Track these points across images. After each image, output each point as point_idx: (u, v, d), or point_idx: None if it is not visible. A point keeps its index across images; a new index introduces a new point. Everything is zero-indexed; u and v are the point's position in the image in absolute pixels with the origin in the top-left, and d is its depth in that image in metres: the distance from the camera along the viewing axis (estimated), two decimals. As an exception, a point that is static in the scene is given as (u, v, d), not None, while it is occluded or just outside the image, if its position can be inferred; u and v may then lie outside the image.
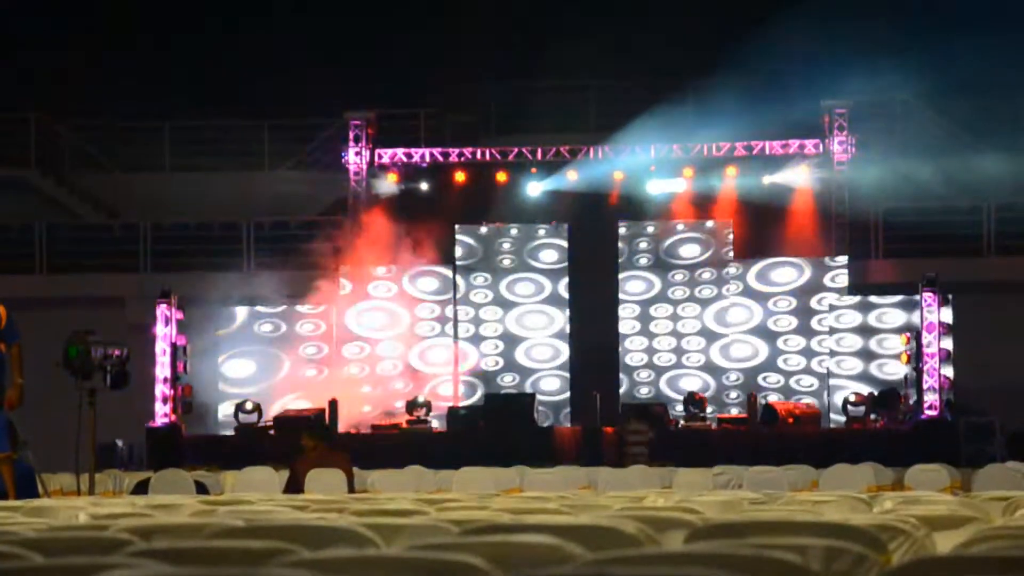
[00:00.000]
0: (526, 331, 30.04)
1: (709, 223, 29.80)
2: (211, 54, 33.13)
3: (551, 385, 29.63)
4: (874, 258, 30.28)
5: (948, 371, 27.08)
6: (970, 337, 28.13)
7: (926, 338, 27.05)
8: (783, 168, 29.52)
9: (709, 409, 28.34)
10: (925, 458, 21.26)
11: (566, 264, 29.99)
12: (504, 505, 8.91)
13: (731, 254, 29.73)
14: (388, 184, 30.23)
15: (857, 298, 29.25)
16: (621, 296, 29.78)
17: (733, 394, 29.24)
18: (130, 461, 27.82)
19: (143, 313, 28.68)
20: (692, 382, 29.41)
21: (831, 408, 28.65)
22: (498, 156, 29.87)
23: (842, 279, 29.37)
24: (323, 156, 32.41)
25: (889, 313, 29.10)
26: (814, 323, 29.36)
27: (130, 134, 33.23)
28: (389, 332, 29.85)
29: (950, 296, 27.59)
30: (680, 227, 29.87)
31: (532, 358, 30.01)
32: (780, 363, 29.42)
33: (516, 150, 29.80)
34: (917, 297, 28.52)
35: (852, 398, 27.70)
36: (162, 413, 27.51)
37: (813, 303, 29.33)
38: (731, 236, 29.72)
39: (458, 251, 30.05)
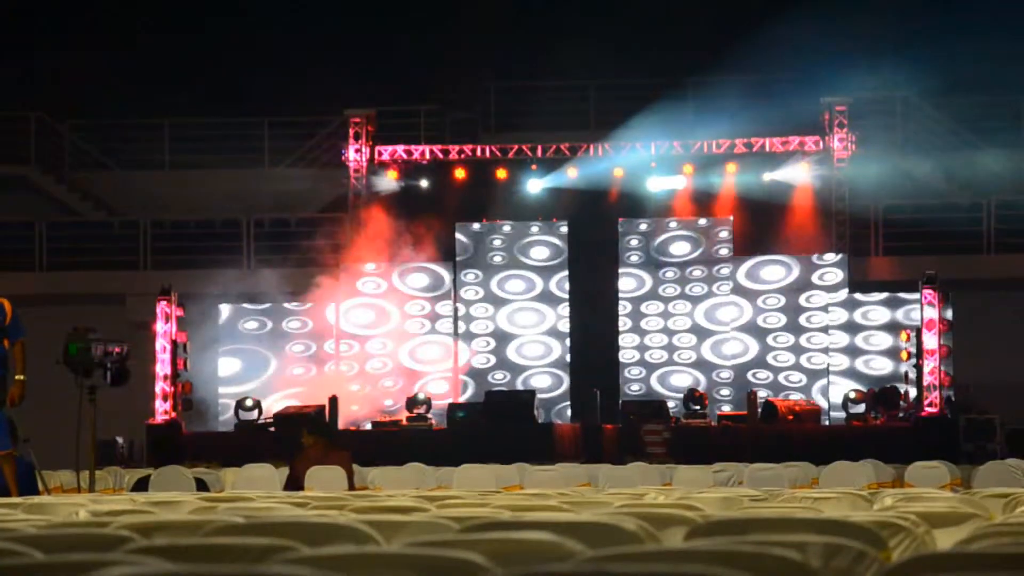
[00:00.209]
0: (518, 328, 30.03)
1: (702, 220, 29.79)
2: (211, 51, 33.13)
3: (543, 382, 29.59)
4: (874, 255, 30.29)
5: (948, 368, 27.08)
6: (970, 334, 28.13)
7: (926, 335, 27.05)
8: (783, 165, 29.51)
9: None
10: (925, 455, 21.25)
11: (558, 261, 29.98)
12: (504, 502, 8.91)
13: (723, 251, 29.72)
14: (388, 181, 30.22)
15: (844, 294, 29.25)
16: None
17: (724, 391, 29.26)
18: (130, 458, 27.84)
19: (143, 310, 28.68)
20: (683, 379, 29.44)
21: (830, 405, 28.67)
22: (498, 153, 29.87)
23: (830, 276, 29.37)
24: (323, 153, 32.42)
25: (876, 310, 29.13)
26: (803, 320, 29.38)
27: (130, 131, 33.23)
28: (379, 329, 29.79)
29: (950, 293, 27.59)
30: (673, 224, 29.85)
31: (523, 355, 29.99)
32: (771, 360, 29.44)
33: (516, 147, 29.79)
34: (903, 295, 28.63)
35: (852, 395, 27.70)
36: (162, 410, 27.51)
37: (802, 300, 29.36)
38: (723, 234, 29.72)
39: (458, 248, 30.05)
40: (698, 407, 27.97)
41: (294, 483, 16.71)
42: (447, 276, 29.95)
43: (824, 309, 29.29)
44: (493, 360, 29.92)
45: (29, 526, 6.88)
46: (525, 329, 30.02)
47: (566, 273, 29.96)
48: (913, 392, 27.38)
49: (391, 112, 31.52)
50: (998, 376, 28.95)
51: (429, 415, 27.96)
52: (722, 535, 5.98)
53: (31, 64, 33.46)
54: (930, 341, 26.97)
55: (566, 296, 29.99)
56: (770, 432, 26.60)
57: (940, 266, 27.88)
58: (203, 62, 33.13)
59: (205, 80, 32.87)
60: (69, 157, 33.39)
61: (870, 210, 30.23)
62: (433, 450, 24.15)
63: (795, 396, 28.74)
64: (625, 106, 30.63)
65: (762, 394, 28.40)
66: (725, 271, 29.64)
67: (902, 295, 28.96)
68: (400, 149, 30.18)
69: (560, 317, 29.98)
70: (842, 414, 27.84)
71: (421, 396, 28.35)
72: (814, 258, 29.46)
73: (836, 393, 28.63)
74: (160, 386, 27.53)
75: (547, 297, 30.01)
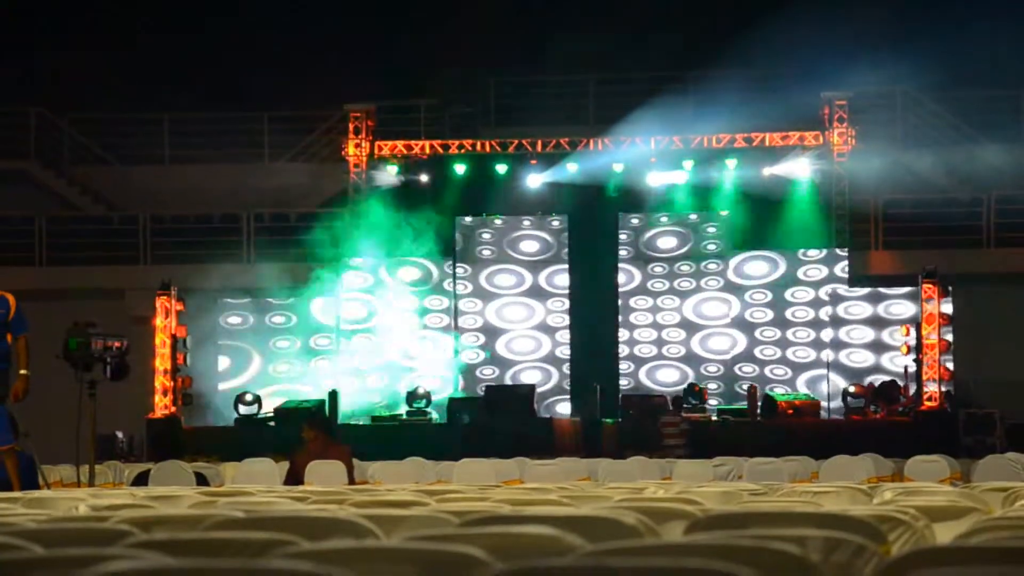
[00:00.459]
0: (507, 323, 30.01)
1: (693, 216, 29.79)
2: (211, 46, 33.11)
3: (532, 378, 29.56)
4: (874, 250, 30.30)
5: (948, 362, 27.09)
6: (970, 329, 28.14)
7: (926, 329, 27.05)
8: (783, 160, 29.51)
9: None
10: (925, 449, 21.26)
11: (548, 255, 29.96)
12: (504, 496, 8.91)
13: (711, 247, 29.73)
14: (388, 176, 30.22)
15: (830, 288, 29.28)
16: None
17: (712, 385, 29.28)
18: (130, 452, 27.85)
19: (143, 305, 28.68)
20: (671, 373, 29.47)
21: (829, 399, 28.72)
22: (498, 148, 29.86)
23: (814, 272, 29.39)
24: (323, 148, 32.42)
25: (857, 305, 29.16)
26: (788, 314, 29.42)
27: (130, 126, 33.22)
28: (367, 324, 29.73)
29: (950, 288, 27.60)
30: (664, 219, 29.85)
31: (512, 350, 29.98)
32: (758, 353, 29.48)
33: (516, 142, 29.79)
34: (883, 290, 28.70)
35: (852, 389, 27.72)
36: (162, 405, 27.52)
37: (788, 295, 29.39)
38: (711, 229, 29.73)
39: (458, 243, 30.04)
40: (697, 401, 27.98)
41: (294, 477, 16.71)
42: (436, 271, 29.87)
43: (812, 304, 29.33)
44: (483, 355, 29.90)
45: (29, 520, 6.88)
46: (515, 324, 30.00)
47: (556, 268, 29.95)
48: (913, 386, 27.40)
49: (391, 107, 31.51)
50: (998, 370, 28.96)
51: (429, 409, 27.97)
52: (722, 529, 5.98)
53: (31, 59, 33.44)
54: (930, 335, 26.98)
55: (556, 291, 29.97)
56: (770, 426, 26.61)
57: (940, 260, 27.89)
58: (203, 57, 33.11)
59: (205, 75, 32.85)
60: (69, 152, 33.38)
61: (870, 204, 30.23)
62: (433, 444, 24.16)
63: (780, 389, 28.81)
64: (625, 101, 30.62)
65: (747, 387, 28.61)
66: (713, 266, 29.66)
67: (883, 289, 29.00)
68: (400, 144, 30.18)
69: (550, 312, 29.97)
70: (837, 404, 27.92)
71: (420, 390, 28.34)
72: (800, 253, 29.48)
73: (822, 387, 28.74)
74: (160, 381, 27.54)
75: (537, 292, 29.99)
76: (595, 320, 29.80)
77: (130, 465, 22.26)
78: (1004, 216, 30.16)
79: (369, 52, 33.18)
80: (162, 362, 27.59)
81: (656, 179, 29.65)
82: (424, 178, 30.06)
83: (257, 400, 28.03)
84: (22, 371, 14.06)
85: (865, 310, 29.18)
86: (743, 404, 28.00)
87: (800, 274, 29.51)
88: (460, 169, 29.84)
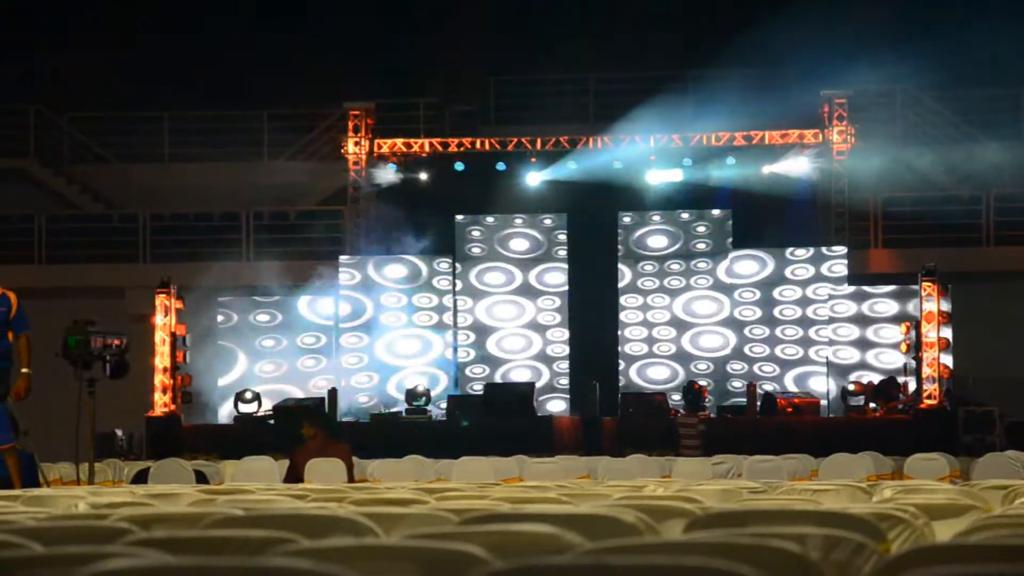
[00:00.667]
0: (497, 321, 29.99)
1: (685, 214, 29.79)
2: (210, 45, 33.11)
3: (523, 376, 29.51)
4: (873, 248, 30.30)
5: (947, 360, 27.09)
6: (969, 327, 28.14)
7: (925, 327, 27.06)
8: (782, 158, 29.52)
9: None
10: (924, 447, 21.28)
11: (539, 253, 29.96)
12: (503, 494, 8.92)
13: (699, 246, 29.75)
14: (388, 174, 30.21)
15: (820, 287, 29.31)
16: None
17: (702, 382, 29.27)
18: (129, 450, 27.85)
19: (142, 303, 28.68)
20: (661, 371, 29.49)
21: (829, 397, 28.74)
22: (497, 146, 29.85)
23: (802, 271, 29.41)
24: (322, 146, 32.41)
25: (843, 304, 29.19)
26: (776, 312, 29.46)
27: (129, 124, 33.21)
28: (355, 321, 29.67)
29: (949, 286, 27.60)
30: (656, 218, 29.86)
31: (503, 348, 29.97)
32: (747, 351, 29.51)
33: (515, 140, 29.79)
34: (868, 288, 28.75)
35: (851, 387, 27.73)
36: (161, 403, 27.52)
37: (776, 293, 29.42)
38: (700, 228, 29.74)
39: (458, 241, 30.05)
40: (697, 400, 27.98)
41: (294, 475, 16.71)
42: (425, 268, 29.83)
43: (800, 302, 29.37)
44: (472, 354, 29.88)
45: (28, 518, 6.88)
46: (505, 322, 29.98)
47: (547, 266, 29.93)
48: (912, 384, 27.40)
49: (390, 105, 31.52)
50: (997, 368, 28.96)
51: (428, 407, 27.96)
52: (721, 527, 5.98)
53: (31, 57, 33.44)
54: (929, 333, 26.99)
55: (547, 289, 29.96)
56: (769, 424, 26.62)
57: (940, 259, 27.89)
58: (203, 55, 33.11)
59: (204, 74, 32.85)
60: (68, 150, 33.38)
61: (870, 203, 30.24)
62: (432, 442, 24.16)
63: (768, 386, 28.90)
64: (624, 99, 30.62)
65: (736, 384, 28.66)
66: (703, 265, 29.68)
67: (866, 288, 29.05)
68: (399, 142, 30.17)
69: (541, 310, 29.96)
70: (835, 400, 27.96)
71: (420, 388, 28.33)
72: (786, 252, 29.50)
73: (808, 384, 28.82)
74: (159, 379, 27.53)
75: (528, 290, 29.97)
76: (594, 318, 29.79)
77: (130, 463, 22.26)
78: (1004, 214, 30.17)
79: (369, 50, 33.19)
80: (161, 360, 27.59)
81: (655, 177, 29.65)
82: (424, 176, 30.06)
83: (257, 398, 28.03)
84: (24, 370, 14.07)
85: (851, 308, 29.18)
86: (741, 401, 28.02)
87: (788, 272, 29.49)
88: (460, 167, 29.84)
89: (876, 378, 28.30)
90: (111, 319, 21.99)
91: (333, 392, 27.24)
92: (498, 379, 29.44)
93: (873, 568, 5.33)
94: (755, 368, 29.38)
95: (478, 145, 29.98)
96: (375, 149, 30.18)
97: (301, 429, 17.42)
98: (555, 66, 32.21)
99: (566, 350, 29.88)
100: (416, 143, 30.16)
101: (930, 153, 31.07)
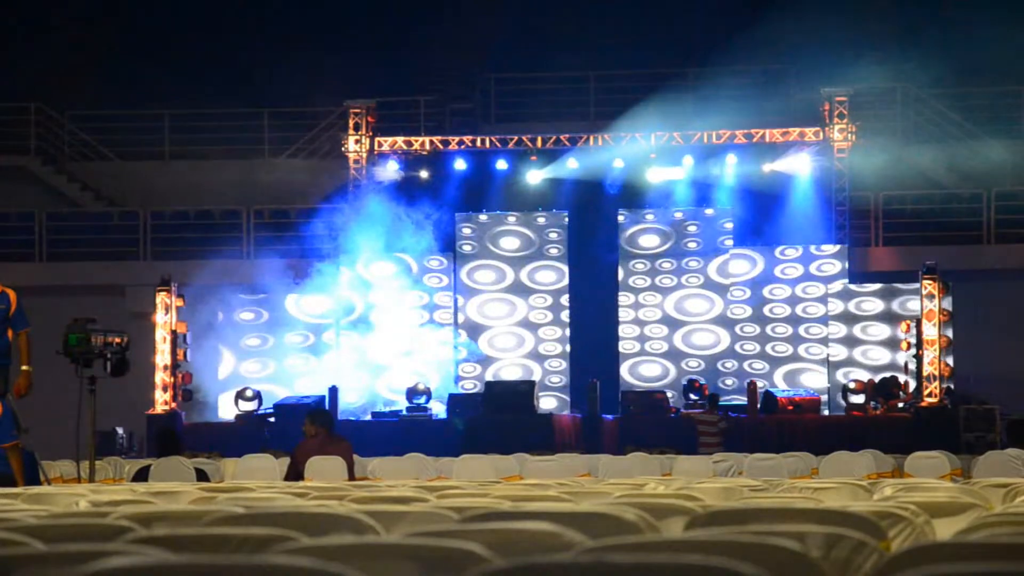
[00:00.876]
0: (488, 320, 29.97)
1: (681, 213, 29.79)
2: (211, 43, 33.10)
3: (513, 374, 29.47)
4: (874, 246, 30.30)
5: (948, 359, 27.09)
6: (970, 325, 28.14)
7: (926, 326, 27.06)
8: (783, 156, 29.51)
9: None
10: (925, 445, 21.27)
11: (531, 251, 29.94)
12: (504, 492, 8.91)
13: (691, 245, 29.75)
14: (388, 171, 30.21)
15: (801, 285, 29.33)
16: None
17: (701, 380, 29.30)
18: (130, 448, 27.85)
19: (143, 301, 28.69)
20: (652, 368, 29.50)
21: (830, 395, 28.76)
22: (498, 144, 29.85)
23: (792, 270, 29.43)
24: (323, 144, 32.41)
25: (832, 303, 29.23)
26: (766, 311, 29.47)
27: (130, 122, 33.21)
28: (343, 319, 29.63)
29: (950, 284, 27.61)
30: (649, 217, 29.85)
31: (494, 346, 29.95)
32: (738, 349, 29.54)
33: (516, 138, 29.78)
34: (854, 286, 28.80)
35: (851, 385, 27.73)
36: (162, 400, 27.52)
37: (766, 292, 29.44)
38: (691, 228, 29.74)
39: (458, 238, 30.04)
40: (698, 398, 28.00)
41: (294, 473, 16.71)
42: (415, 266, 29.79)
43: (790, 300, 29.41)
44: (464, 352, 29.85)
45: (29, 516, 6.88)
46: (496, 321, 29.96)
47: (539, 264, 29.91)
48: (913, 382, 27.41)
49: (391, 103, 31.51)
50: (998, 366, 28.96)
51: (428, 405, 27.94)
52: (722, 525, 5.98)
53: (31, 55, 33.43)
54: (930, 331, 26.98)
55: (538, 287, 29.94)
56: (770, 422, 26.62)
57: (940, 257, 27.89)
58: (204, 53, 33.10)
59: (205, 71, 32.85)
60: (69, 148, 33.38)
61: (870, 201, 30.23)
62: (433, 440, 24.16)
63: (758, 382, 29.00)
64: (625, 97, 30.62)
65: (728, 381, 28.70)
66: (694, 264, 29.69)
67: (853, 287, 29.07)
68: (400, 139, 30.17)
69: (532, 308, 29.94)
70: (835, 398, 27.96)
71: (421, 386, 28.30)
72: (777, 252, 29.51)
73: (809, 381, 28.86)
74: (160, 376, 27.54)
75: (519, 288, 29.95)
76: (593, 317, 29.78)
77: (130, 461, 22.26)
78: (1004, 212, 30.16)
79: (369, 48, 33.18)
80: (162, 358, 27.60)
81: (656, 175, 29.64)
82: (424, 174, 30.05)
83: (257, 396, 28.02)
84: (24, 367, 14.07)
85: (839, 306, 29.22)
86: (741, 400, 28.04)
87: (779, 271, 29.50)
88: (460, 165, 29.84)
89: (869, 376, 28.33)
90: (112, 317, 22.00)
91: (334, 390, 27.23)
92: (489, 377, 29.40)
93: (873, 566, 5.33)
94: (745, 365, 29.39)
95: (479, 143, 29.98)
96: (376, 147, 30.18)
97: (303, 426, 17.41)
98: (556, 64, 32.21)
99: (558, 348, 29.86)
100: (417, 141, 30.16)
101: (931, 151, 31.07)
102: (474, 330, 29.93)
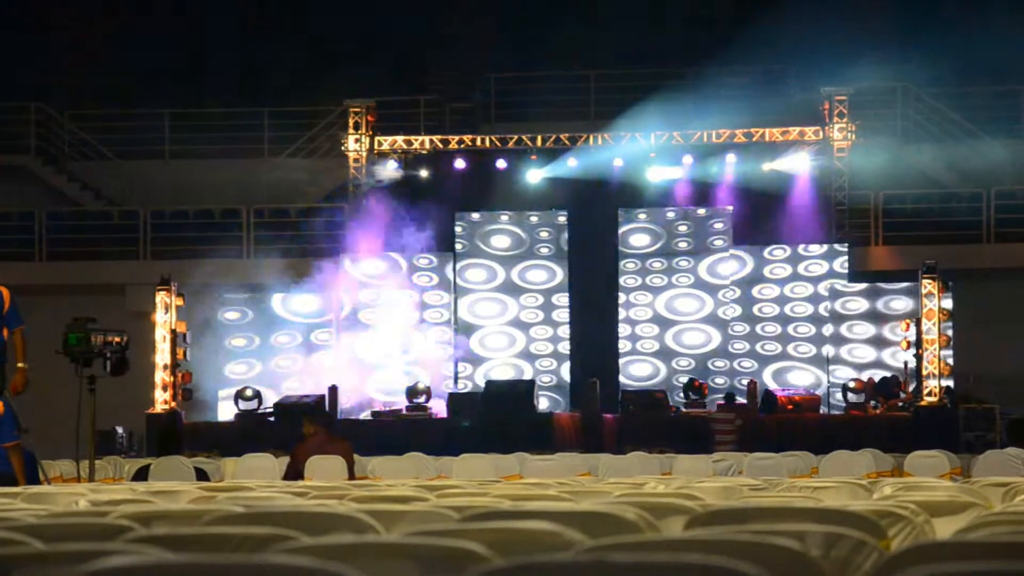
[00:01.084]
0: (479, 319, 29.96)
1: (670, 212, 29.80)
2: (211, 42, 33.11)
3: (504, 374, 29.41)
4: (873, 245, 30.30)
5: (948, 357, 27.09)
6: (970, 324, 28.15)
7: (926, 325, 27.06)
8: (783, 155, 29.50)
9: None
10: (924, 444, 21.28)
11: (521, 251, 29.94)
12: (504, 491, 8.91)
13: (678, 245, 29.75)
14: (388, 171, 30.20)
15: (790, 285, 29.37)
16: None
17: (683, 378, 29.30)
18: (130, 448, 27.85)
19: (143, 300, 28.68)
20: (643, 367, 29.52)
21: (829, 394, 28.78)
22: (498, 143, 29.85)
23: (780, 270, 29.45)
24: (323, 143, 32.41)
25: (822, 303, 29.29)
26: (755, 310, 29.49)
27: (129, 121, 33.21)
28: (324, 317, 29.57)
29: (950, 283, 27.61)
30: (642, 216, 29.85)
31: (485, 346, 29.93)
32: (730, 348, 29.56)
33: (516, 137, 29.78)
34: (840, 285, 28.85)
35: (851, 384, 27.73)
36: (162, 400, 27.52)
37: (755, 292, 29.47)
38: (676, 228, 29.74)
39: (457, 238, 30.04)
40: (697, 396, 28.01)
41: (293, 472, 16.71)
42: (404, 263, 29.76)
43: (778, 300, 29.46)
44: (456, 351, 29.82)
45: (29, 515, 6.88)
46: (487, 320, 29.94)
47: (530, 263, 29.90)
48: (912, 382, 27.41)
49: (391, 102, 31.51)
50: (998, 365, 28.96)
51: (428, 404, 27.91)
52: (722, 524, 5.98)
53: (31, 55, 33.43)
54: (930, 330, 26.99)
55: (529, 286, 29.93)
56: (769, 421, 26.63)
57: (940, 256, 27.89)
58: (203, 53, 33.11)
59: (205, 71, 32.86)
60: (69, 147, 33.39)
61: (870, 200, 30.23)
62: (433, 439, 24.15)
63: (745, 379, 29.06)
64: (625, 96, 30.62)
65: (719, 380, 28.72)
66: (684, 263, 29.70)
67: (840, 286, 29.10)
68: (400, 139, 30.17)
69: (523, 308, 29.92)
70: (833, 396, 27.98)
71: (420, 385, 28.27)
72: (767, 253, 29.53)
73: (797, 379, 28.90)
74: (160, 376, 27.54)
75: (510, 288, 29.93)
76: (593, 315, 29.77)
77: (130, 460, 22.27)
78: (1004, 211, 30.16)
79: (369, 48, 33.18)
80: (162, 357, 27.60)
81: (656, 174, 29.64)
82: (424, 173, 30.05)
83: (257, 395, 28.01)
84: (20, 364, 14.07)
85: (827, 306, 29.29)
86: (741, 399, 28.06)
87: (767, 272, 29.53)
88: (460, 164, 29.83)
89: (856, 374, 28.38)
90: (111, 316, 21.98)
91: (333, 389, 27.22)
92: (480, 377, 29.37)
93: (873, 565, 5.33)
94: (735, 364, 29.42)
95: (479, 142, 29.98)
96: (375, 146, 30.18)
97: (302, 426, 17.41)
98: (555, 63, 32.21)
99: (550, 347, 29.86)
100: (416, 140, 30.16)
101: (930, 150, 31.07)
102: (466, 330, 29.90)
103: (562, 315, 29.91)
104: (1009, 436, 25.71)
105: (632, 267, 29.76)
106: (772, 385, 28.63)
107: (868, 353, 29.02)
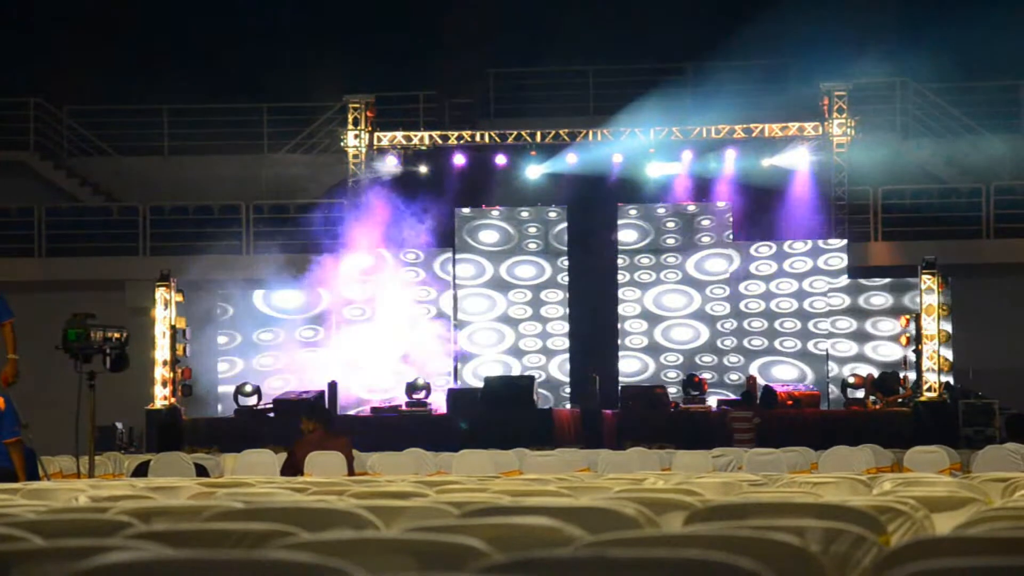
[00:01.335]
0: (468, 315, 29.93)
1: (660, 209, 29.79)
2: (210, 37, 33.09)
3: (494, 370, 29.37)
4: (873, 240, 30.30)
5: (947, 353, 27.10)
6: (969, 319, 28.15)
7: (925, 320, 27.06)
8: (782, 151, 29.50)
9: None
10: (924, 440, 21.28)
11: (509, 246, 29.93)
12: (504, 487, 8.92)
13: (668, 241, 29.75)
14: (387, 167, 30.19)
15: (779, 282, 29.37)
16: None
17: (672, 373, 29.29)
18: (130, 444, 27.85)
19: (142, 296, 28.67)
20: (632, 363, 29.53)
21: (829, 390, 28.79)
22: (497, 139, 29.85)
23: (765, 268, 29.46)
24: (322, 139, 32.40)
25: (807, 299, 29.32)
26: (742, 306, 29.51)
27: (129, 117, 33.21)
28: (308, 313, 29.52)
29: (949, 278, 27.61)
30: (633, 212, 29.84)
31: (475, 342, 29.92)
32: (719, 344, 29.57)
33: (515, 133, 29.78)
34: (823, 282, 28.88)
35: (851, 380, 27.74)
36: (161, 396, 27.52)
37: (742, 288, 29.49)
38: (669, 224, 29.74)
39: (457, 234, 30.02)
40: (697, 392, 28.01)
41: (293, 468, 16.71)
42: (403, 260, 29.73)
43: (764, 297, 29.48)
44: (450, 349, 29.80)
45: (28, 511, 6.88)
46: (475, 316, 29.93)
47: (518, 259, 29.89)
48: (912, 377, 27.41)
49: (390, 98, 31.51)
50: (997, 361, 28.97)
51: (428, 400, 27.89)
52: (721, 520, 5.99)
53: (30, 50, 33.42)
54: (929, 326, 26.99)
55: (518, 282, 29.92)
56: (769, 417, 26.62)
57: (939, 251, 27.89)
58: (202, 48, 33.09)
59: (204, 66, 32.84)
60: (68, 143, 33.38)
61: (869, 195, 30.23)
62: (432, 435, 24.15)
63: (734, 376, 29.05)
64: (624, 92, 30.62)
65: (705, 375, 28.76)
66: (674, 262, 29.69)
67: (823, 282, 29.14)
68: (399, 135, 30.16)
69: (512, 303, 29.91)
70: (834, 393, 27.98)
71: (420, 381, 28.25)
72: (753, 250, 29.54)
73: (785, 373, 28.92)
74: (159, 372, 27.53)
75: (499, 283, 29.92)
76: (593, 310, 29.77)
77: (130, 456, 22.26)
78: (1003, 207, 30.17)
79: (368, 43, 33.17)
80: (161, 353, 27.59)
81: (655, 170, 29.64)
82: (423, 169, 30.04)
83: (257, 391, 28.00)
84: (11, 355, 14.08)
85: (775, 304, 29.34)
86: (735, 395, 28.09)
87: (755, 268, 29.55)
88: (459, 160, 29.83)
89: (838, 368, 28.45)
90: (111, 312, 21.95)
91: (333, 385, 27.21)
92: (468, 374, 29.33)
93: (873, 561, 5.34)
94: (724, 360, 29.44)
95: (478, 138, 29.98)
96: (375, 142, 30.17)
97: (301, 422, 17.42)
98: (554, 59, 32.20)
99: (539, 343, 29.86)
100: (416, 136, 30.15)
101: (930, 146, 31.07)
102: (460, 326, 29.90)
103: (551, 311, 29.89)
104: (1008, 431, 25.71)
105: (622, 263, 29.77)
106: (762, 382, 28.66)
107: (862, 349, 29.02)
